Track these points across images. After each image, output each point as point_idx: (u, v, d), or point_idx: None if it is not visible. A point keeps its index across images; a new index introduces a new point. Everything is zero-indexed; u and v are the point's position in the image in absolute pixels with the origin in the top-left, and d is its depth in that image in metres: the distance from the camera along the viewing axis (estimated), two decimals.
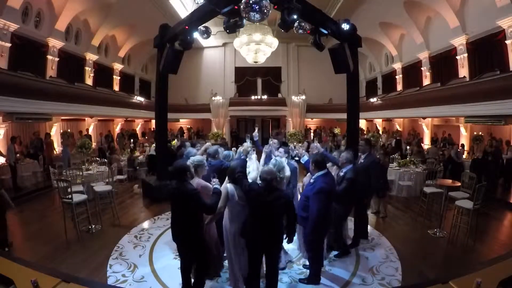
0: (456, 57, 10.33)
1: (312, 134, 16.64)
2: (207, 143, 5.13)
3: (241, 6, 5.12)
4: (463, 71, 10.10)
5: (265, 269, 3.03)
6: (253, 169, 4.05)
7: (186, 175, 2.84)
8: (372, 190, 4.70)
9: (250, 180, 3.12)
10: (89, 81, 12.69)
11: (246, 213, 2.93)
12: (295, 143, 7.31)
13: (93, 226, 4.97)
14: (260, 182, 2.91)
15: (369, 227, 5.16)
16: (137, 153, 10.25)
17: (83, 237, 4.63)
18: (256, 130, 4.62)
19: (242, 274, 3.09)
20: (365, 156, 4.40)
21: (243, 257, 3.05)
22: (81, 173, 6.46)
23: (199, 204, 2.72)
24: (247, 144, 4.28)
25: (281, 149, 4.24)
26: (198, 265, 2.99)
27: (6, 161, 7.70)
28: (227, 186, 3.01)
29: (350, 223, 5.19)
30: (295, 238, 3.16)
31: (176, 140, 11.47)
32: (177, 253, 4.04)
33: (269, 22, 10.81)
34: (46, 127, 10.82)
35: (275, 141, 4.87)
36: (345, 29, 5.98)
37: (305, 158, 3.72)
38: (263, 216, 2.75)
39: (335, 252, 4.02)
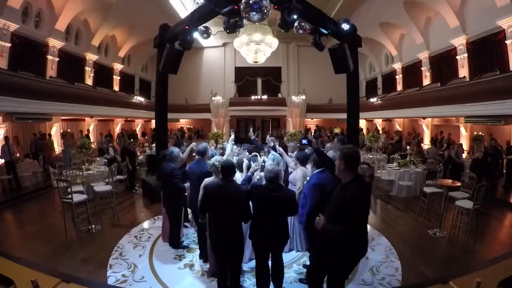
0: (456, 57, 10.32)
1: (312, 133, 16.62)
2: (193, 143, 5.09)
3: (241, 6, 5.11)
4: (463, 71, 10.09)
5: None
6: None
7: (233, 173, 2.85)
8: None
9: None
10: (89, 81, 12.68)
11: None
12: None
13: (93, 226, 4.97)
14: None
15: (369, 227, 5.17)
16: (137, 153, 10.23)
17: (83, 237, 4.63)
18: (251, 130, 4.65)
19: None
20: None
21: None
22: (81, 173, 6.46)
23: (247, 206, 2.81)
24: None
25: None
26: (238, 259, 2.95)
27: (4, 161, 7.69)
28: None
29: None
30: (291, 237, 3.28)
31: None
32: (177, 253, 4.09)
33: (269, 22, 10.76)
34: (46, 127, 10.81)
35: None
36: (345, 29, 5.96)
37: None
38: (268, 213, 2.81)
39: None
